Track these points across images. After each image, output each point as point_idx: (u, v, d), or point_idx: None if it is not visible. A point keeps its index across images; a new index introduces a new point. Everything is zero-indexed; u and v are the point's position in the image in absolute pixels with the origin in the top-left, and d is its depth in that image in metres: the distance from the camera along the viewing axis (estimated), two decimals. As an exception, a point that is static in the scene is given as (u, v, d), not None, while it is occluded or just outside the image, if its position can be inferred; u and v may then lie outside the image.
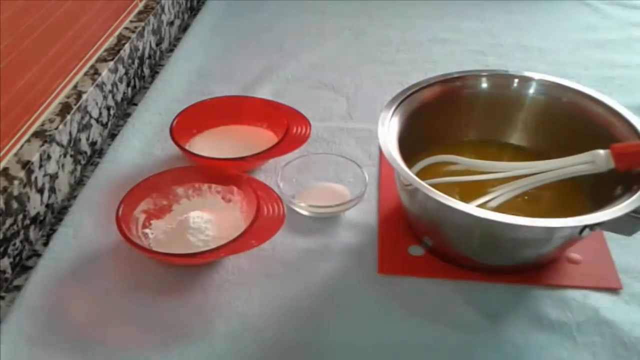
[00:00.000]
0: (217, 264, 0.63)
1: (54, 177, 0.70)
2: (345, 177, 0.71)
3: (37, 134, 0.69)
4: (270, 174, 0.74)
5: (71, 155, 0.74)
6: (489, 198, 0.60)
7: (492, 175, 0.63)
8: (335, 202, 0.67)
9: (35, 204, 0.67)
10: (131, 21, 0.94)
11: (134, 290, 0.61)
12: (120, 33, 0.91)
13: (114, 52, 0.86)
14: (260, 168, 0.75)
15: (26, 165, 0.65)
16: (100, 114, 0.81)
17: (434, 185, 0.56)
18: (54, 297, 0.60)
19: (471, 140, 0.73)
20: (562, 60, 0.97)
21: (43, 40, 0.71)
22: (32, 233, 0.67)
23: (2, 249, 0.61)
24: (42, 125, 0.71)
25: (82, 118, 0.76)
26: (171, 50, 1.03)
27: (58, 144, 0.70)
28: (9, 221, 0.62)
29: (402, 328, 0.57)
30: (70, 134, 0.73)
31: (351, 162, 0.71)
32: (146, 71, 0.97)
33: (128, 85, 0.90)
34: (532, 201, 0.64)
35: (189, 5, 1.16)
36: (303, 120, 0.77)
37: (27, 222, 0.65)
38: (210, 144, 0.77)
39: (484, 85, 0.70)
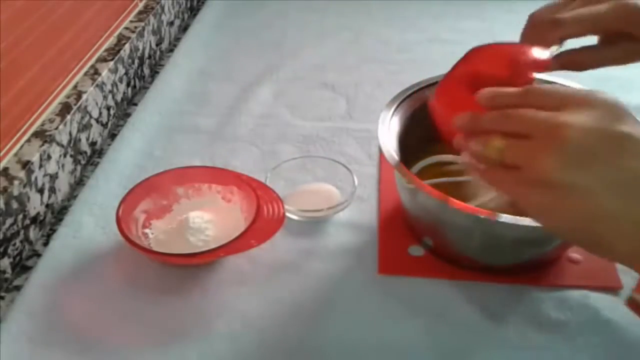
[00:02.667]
0: (217, 264, 0.63)
1: (54, 177, 0.70)
2: (334, 180, 0.71)
3: (37, 134, 0.69)
4: (269, 174, 0.74)
5: (71, 155, 0.74)
6: (489, 198, 0.60)
7: (492, 175, 0.63)
8: (324, 206, 0.66)
9: (35, 204, 0.67)
10: (131, 21, 0.94)
11: (134, 290, 0.61)
12: (120, 33, 0.91)
13: (114, 52, 0.86)
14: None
15: (26, 165, 0.65)
16: (100, 114, 0.81)
17: (434, 185, 0.56)
18: (54, 297, 0.60)
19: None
20: (562, 60, 0.97)
21: (43, 40, 0.71)
22: (32, 233, 0.67)
23: (2, 249, 0.61)
24: (42, 125, 0.71)
25: (82, 118, 0.76)
26: (171, 50, 1.03)
27: (58, 144, 0.70)
28: (9, 221, 0.62)
29: (402, 328, 0.57)
30: (70, 134, 0.73)
31: (340, 165, 0.71)
32: (146, 71, 0.97)
33: (128, 85, 0.90)
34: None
35: (189, 5, 1.16)
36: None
37: (27, 222, 0.65)
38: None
39: (484, 85, 0.70)
